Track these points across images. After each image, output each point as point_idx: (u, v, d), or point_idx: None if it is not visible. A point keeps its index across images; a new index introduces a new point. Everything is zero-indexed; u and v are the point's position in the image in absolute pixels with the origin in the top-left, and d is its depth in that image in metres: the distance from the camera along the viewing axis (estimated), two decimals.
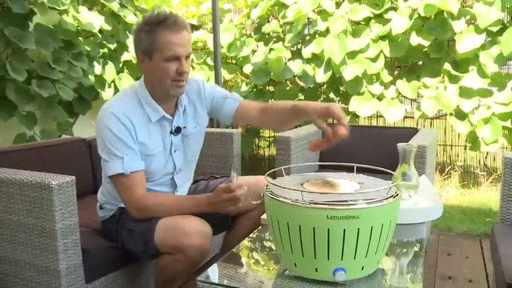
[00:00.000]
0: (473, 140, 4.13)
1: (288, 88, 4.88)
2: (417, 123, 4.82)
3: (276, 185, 1.28)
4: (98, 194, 1.94)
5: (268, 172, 1.40)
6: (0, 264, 1.77)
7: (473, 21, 4.07)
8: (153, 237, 1.66)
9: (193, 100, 1.88)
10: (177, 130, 1.82)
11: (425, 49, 4.14)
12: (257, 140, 5.47)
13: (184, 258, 1.61)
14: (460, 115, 4.11)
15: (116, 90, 4.12)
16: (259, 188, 1.45)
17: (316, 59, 4.46)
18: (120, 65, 4.30)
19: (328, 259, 1.19)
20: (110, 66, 4.10)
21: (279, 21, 4.80)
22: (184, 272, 1.67)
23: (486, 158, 4.77)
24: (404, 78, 4.28)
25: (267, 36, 4.87)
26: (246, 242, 1.63)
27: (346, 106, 4.47)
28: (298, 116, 1.66)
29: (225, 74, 4.96)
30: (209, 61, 5.02)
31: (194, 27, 5.43)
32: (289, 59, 4.69)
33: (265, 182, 1.34)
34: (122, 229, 1.78)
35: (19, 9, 3.18)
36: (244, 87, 4.90)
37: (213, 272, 1.36)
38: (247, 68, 4.82)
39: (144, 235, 1.68)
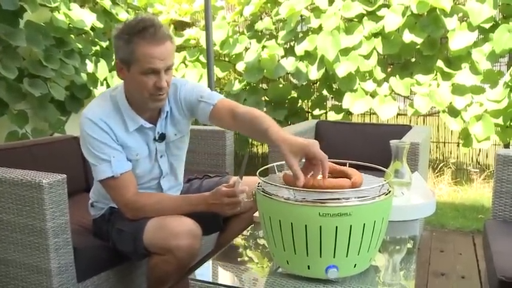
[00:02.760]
0: (465, 137, 4.15)
1: (281, 86, 4.88)
2: (410, 121, 4.84)
3: (268, 183, 1.27)
4: (90, 192, 1.93)
5: (261, 169, 1.39)
6: None
7: (465, 19, 4.08)
8: (142, 237, 1.64)
9: (172, 106, 1.80)
10: (161, 137, 1.78)
11: (418, 46, 4.15)
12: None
13: (173, 259, 1.60)
14: (453, 112, 4.12)
15: (109, 88, 4.10)
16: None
17: (309, 56, 4.45)
18: (113, 63, 4.27)
19: (321, 256, 1.19)
20: (102, 64, 4.08)
21: (271, 18, 4.79)
22: (174, 272, 1.65)
23: (479, 155, 4.79)
24: (397, 76, 4.29)
25: (259, 33, 4.86)
26: (238, 240, 1.62)
27: (340, 103, 4.47)
28: (270, 143, 1.53)
29: (217, 72, 4.95)
30: (202, 59, 5.01)
31: (187, 25, 5.41)
32: (282, 57, 4.68)
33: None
34: (112, 229, 1.76)
35: (9, 6, 3.15)
36: (237, 85, 4.89)
37: (205, 270, 1.35)
38: (240, 66, 4.80)
39: (134, 235, 1.66)
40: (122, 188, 1.67)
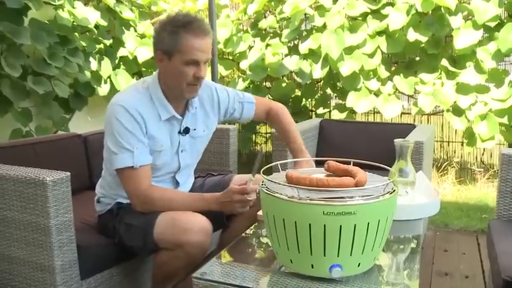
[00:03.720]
0: (470, 136, 4.13)
1: (284, 84, 4.87)
2: (414, 120, 4.82)
3: (272, 181, 1.27)
4: (97, 187, 1.93)
5: (264, 167, 1.39)
6: None
7: (470, 17, 4.06)
8: (152, 232, 1.65)
9: (205, 105, 1.91)
10: (186, 130, 1.83)
11: (423, 45, 4.13)
12: (254, 136, 5.46)
13: (183, 254, 1.61)
14: (457, 111, 4.10)
15: (112, 86, 4.10)
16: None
17: (313, 54, 4.44)
18: (116, 61, 4.27)
19: (325, 255, 1.19)
20: (106, 62, 4.08)
21: (275, 16, 4.78)
22: (183, 268, 1.66)
23: (483, 154, 4.78)
24: (401, 74, 4.27)
25: (263, 31, 4.85)
26: (242, 238, 1.62)
27: (343, 102, 4.46)
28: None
29: (221, 70, 4.94)
30: None
31: None
32: (286, 55, 4.67)
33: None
34: (119, 224, 1.77)
35: (13, 4, 3.15)
36: (241, 84, 4.88)
37: (209, 269, 1.35)
38: (244, 64, 4.80)
39: (144, 230, 1.67)
40: (137, 179, 1.69)
